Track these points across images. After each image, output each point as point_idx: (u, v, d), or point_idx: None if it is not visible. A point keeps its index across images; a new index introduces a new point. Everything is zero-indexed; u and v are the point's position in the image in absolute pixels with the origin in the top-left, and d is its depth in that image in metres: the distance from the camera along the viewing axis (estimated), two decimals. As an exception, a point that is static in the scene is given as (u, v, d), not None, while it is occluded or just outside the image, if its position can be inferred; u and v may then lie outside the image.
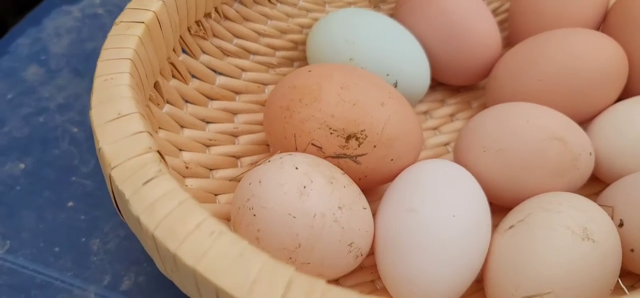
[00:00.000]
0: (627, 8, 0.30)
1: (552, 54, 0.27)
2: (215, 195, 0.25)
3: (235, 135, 0.28)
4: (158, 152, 0.18)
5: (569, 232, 0.21)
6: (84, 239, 0.27)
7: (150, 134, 0.19)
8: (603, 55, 0.27)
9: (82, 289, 0.25)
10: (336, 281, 0.24)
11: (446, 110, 0.32)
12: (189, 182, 0.24)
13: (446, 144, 0.30)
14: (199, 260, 0.15)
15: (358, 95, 0.24)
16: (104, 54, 0.20)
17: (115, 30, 0.21)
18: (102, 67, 0.20)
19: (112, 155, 0.17)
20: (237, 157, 0.27)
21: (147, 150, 0.18)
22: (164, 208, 0.16)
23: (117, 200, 0.18)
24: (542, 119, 0.25)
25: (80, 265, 0.26)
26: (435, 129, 0.31)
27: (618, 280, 0.22)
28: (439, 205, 0.22)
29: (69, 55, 0.34)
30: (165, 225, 0.16)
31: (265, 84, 0.30)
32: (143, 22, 0.22)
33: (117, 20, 0.22)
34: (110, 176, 0.17)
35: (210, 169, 0.26)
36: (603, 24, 0.32)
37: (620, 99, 0.28)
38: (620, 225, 0.23)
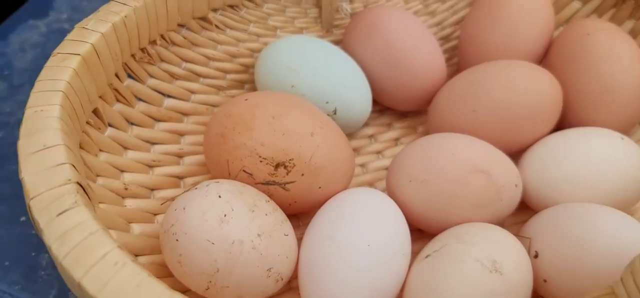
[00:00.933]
0: (566, 42, 0.31)
1: (487, 86, 0.28)
2: (154, 215, 0.26)
3: (180, 156, 0.29)
4: (78, 183, 0.19)
5: (478, 265, 0.22)
6: (33, 254, 0.28)
7: (74, 166, 0.20)
8: (537, 88, 0.28)
9: (28, 302, 0.26)
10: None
11: (392, 134, 0.33)
12: (129, 202, 0.25)
13: (387, 168, 0.31)
14: (101, 290, 0.17)
15: (289, 125, 0.25)
16: (38, 86, 0.22)
17: (51, 61, 0.23)
18: (34, 98, 0.21)
19: (32, 186, 0.19)
20: (181, 178, 0.28)
21: (65, 182, 0.19)
22: (74, 238, 0.18)
23: (36, 228, 0.19)
24: (468, 151, 0.26)
25: (29, 279, 0.27)
26: (379, 152, 0.32)
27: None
28: (354, 234, 0.23)
29: (31, 70, 0.36)
30: (73, 254, 0.17)
31: (214, 106, 0.31)
32: (79, 54, 0.23)
33: (55, 51, 0.23)
34: (29, 206, 0.19)
35: (152, 189, 0.27)
36: (545, 57, 0.33)
37: (557, 129, 0.29)
38: (536, 256, 0.24)
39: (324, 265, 0.23)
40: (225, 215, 0.22)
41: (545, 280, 0.24)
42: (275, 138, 0.25)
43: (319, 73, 0.29)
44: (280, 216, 0.24)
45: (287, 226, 0.24)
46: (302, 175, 0.25)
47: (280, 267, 0.23)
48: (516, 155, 0.29)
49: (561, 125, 0.30)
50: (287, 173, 0.25)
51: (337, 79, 0.30)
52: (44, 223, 0.18)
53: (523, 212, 0.28)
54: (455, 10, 0.38)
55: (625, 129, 0.29)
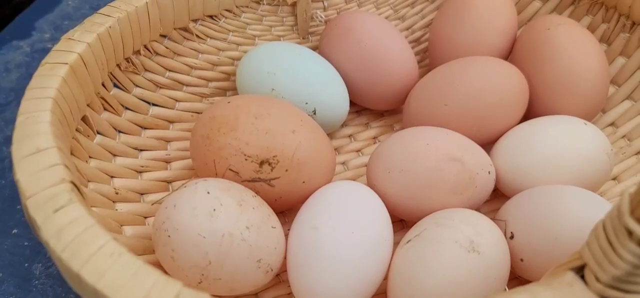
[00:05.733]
0: (528, 38, 0.33)
1: (457, 81, 0.30)
2: (145, 218, 0.27)
3: (167, 161, 0.30)
4: (72, 182, 0.20)
5: (456, 246, 0.23)
6: (26, 264, 0.29)
7: (67, 166, 0.21)
8: (504, 81, 0.30)
9: (22, 311, 0.27)
10: (256, 295, 0.26)
11: (370, 133, 0.35)
12: (120, 206, 0.26)
13: (367, 165, 0.32)
14: (99, 279, 0.17)
15: (270, 124, 0.26)
16: (28, 94, 0.22)
17: (40, 71, 0.23)
18: (25, 105, 0.22)
19: (27, 186, 0.19)
20: (169, 182, 0.29)
21: (60, 181, 0.20)
22: (71, 233, 0.18)
23: (33, 226, 0.20)
24: (441, 141, 0.27)
25: (23, 289, 0.28)
26: (358, 151, 0.34)
27: (506, 289, 0.24)
28: (339, 224, 0.24)
29: (17, 89, 0.36)
30: (71, 248, 0.18)
31: (199, 113, 0.32)
32: (67, 63, 0.24)
33: (43, 61, 0.24)
34: (25, 205, 0.19)
35: (142, 194, 0.28)
36: (511, 53, 0.34)
37: (525, 118, 0.31)
38: (511, 237, 0.25)
39: (311, 254, 0.24)
40: (214, 210, 0.23)
41: (521, 260, 0.25)
42: (259, 137, 0.26)
43: (297, 76, 0.31)
44: (267, 210, 0.25)
45: (274, 219, 0.25)
46: (286, 171, 0.26)
47: (270, 258, 0.24)
48: (488, 145, 0.30)
49: (529, 114, 0.32)
50: (272, 170, 0.26)
51: (314, 81, 0.31)
52: (41, 221, 0.19)
53: (499, 200, 0.30)
54: (423, 14, 0.39)
55: (589, 116, 0.31)
